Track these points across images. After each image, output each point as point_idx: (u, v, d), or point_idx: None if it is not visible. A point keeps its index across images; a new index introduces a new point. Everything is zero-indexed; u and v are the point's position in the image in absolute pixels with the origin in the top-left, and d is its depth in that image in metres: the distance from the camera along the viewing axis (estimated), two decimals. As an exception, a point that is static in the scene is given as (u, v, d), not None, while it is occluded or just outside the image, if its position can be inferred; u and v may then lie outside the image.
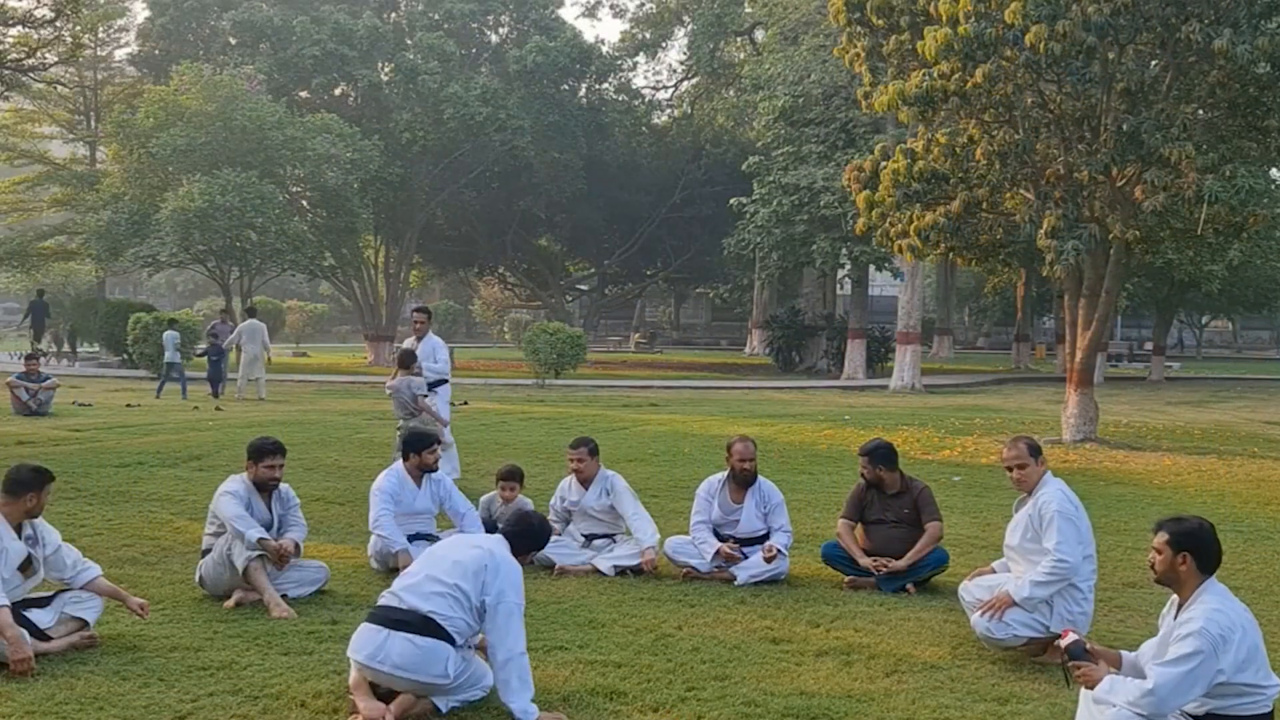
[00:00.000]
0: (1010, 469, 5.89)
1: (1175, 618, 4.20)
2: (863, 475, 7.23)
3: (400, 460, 7.49)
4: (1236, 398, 27.03)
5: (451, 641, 4.72)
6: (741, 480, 7.44)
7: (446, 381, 11.59)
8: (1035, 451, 5.86)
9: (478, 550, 4.91)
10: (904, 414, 19.52)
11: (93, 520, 8.61)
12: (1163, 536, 4.22)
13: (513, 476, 8.13)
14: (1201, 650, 3.94)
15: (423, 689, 4.73)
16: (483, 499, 8.30)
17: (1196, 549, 4.15)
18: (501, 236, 41.97)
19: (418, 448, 7.41)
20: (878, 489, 7.18)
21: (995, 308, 51.17)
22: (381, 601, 4.90)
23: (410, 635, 4.68)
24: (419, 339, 11.52)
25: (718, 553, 7.20)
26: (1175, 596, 4.28)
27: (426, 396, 10.80)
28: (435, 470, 7.47)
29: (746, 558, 7.22)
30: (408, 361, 10.78)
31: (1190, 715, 4.06)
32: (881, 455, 7.15)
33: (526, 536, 5.16)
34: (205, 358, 22.27)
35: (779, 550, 7.21)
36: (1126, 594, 7.07)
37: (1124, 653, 4.54)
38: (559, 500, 7.90)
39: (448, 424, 11.27)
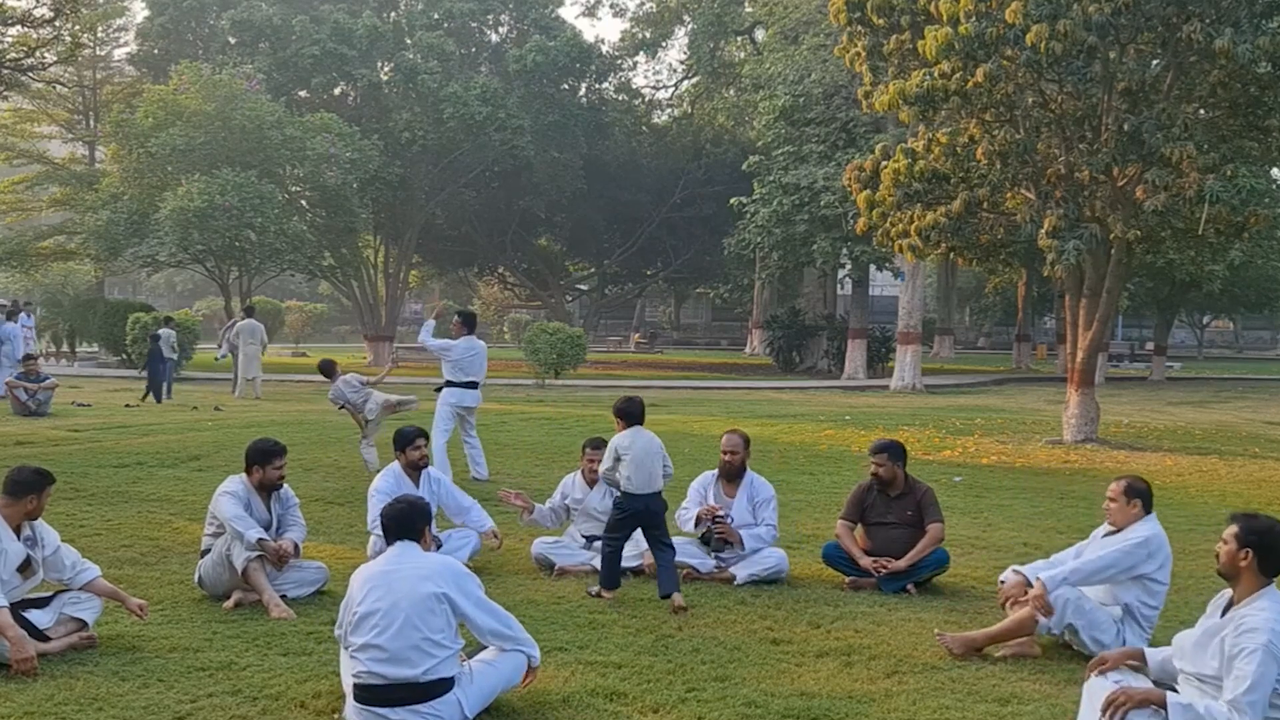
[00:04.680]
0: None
1: (1223, 614, 4.20)
2: (876, 474, 7.13)
3: (396, 461, 7.56)
4: (1238, 398, 27.02)
5: (452, 684, 4.53)
6: (727, 473, 7.43)
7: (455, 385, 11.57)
8: (1129, 493, 5.60)
9: (427, 587, 4.52)
10: (905, 414, 19.51)
11: (92, 520, 8.60)
12: (1233, 529, 4.23)
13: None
14: (1270, 672, 3.97)
15: None
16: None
17: (1260, 547, 4.15)
18: (501, 236, 41.95)
19: (401, 445, 7.47)
20: (881, 491, 7.15)
21: (996, 308, 51.18)
22: (364, 681, 4.47)
23: (413, 708, 4.45)
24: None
25: (698, 519, 7.20)
26: (1228, 592, 4.28)
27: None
28: (423, 467, 7.48)
29: (742, 544, 7.18)
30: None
31: None
32: (899, 452, 7.15)
33: (396, 518, 4.76)
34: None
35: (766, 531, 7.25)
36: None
37: (1147, 650, 4.50)
38: (559, 496, 7.89)
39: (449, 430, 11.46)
